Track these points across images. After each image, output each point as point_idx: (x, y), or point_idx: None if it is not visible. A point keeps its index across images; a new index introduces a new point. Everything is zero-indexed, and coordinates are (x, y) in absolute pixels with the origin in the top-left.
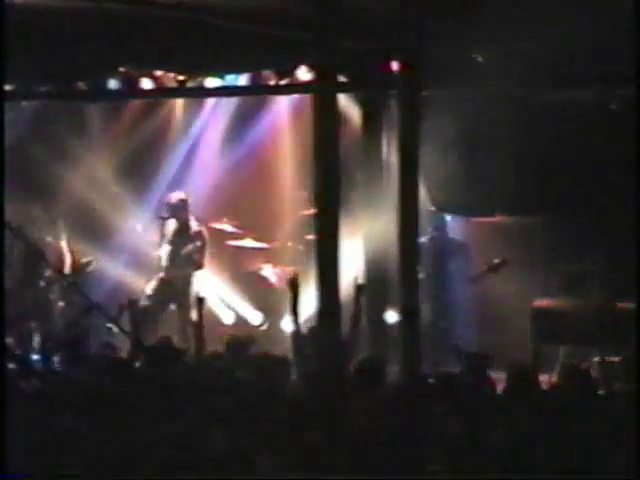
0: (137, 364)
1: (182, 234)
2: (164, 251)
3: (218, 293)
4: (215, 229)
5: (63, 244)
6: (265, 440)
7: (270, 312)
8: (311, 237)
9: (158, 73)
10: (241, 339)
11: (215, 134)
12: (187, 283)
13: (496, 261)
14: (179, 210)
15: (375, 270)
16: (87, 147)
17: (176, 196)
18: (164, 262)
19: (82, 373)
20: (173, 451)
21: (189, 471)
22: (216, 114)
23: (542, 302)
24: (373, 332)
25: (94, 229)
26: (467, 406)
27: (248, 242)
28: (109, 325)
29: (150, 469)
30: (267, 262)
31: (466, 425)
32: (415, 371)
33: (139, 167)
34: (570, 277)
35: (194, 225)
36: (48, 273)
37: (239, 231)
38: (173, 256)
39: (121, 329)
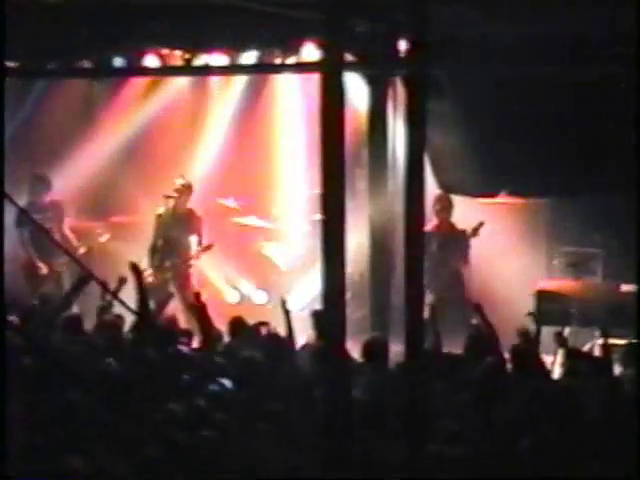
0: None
1: (181, 220)
2: (165, 234)
3: (223, 272)
4: (221, 206)
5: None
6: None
7: (274, 291)
8: (317, 217)
9: (164, 51)
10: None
11: (223, 111)
12: (187, 266)
13: (476, 225)
14: (183, 194)
15: (380, 251)
16: (92, 126)
17: (180, 178)
18: (162, 247)
19: (82, 350)
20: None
21: (192, 451)
22: (223, 91)
23: (546, 284)
24: (378, 314)
25: (101, 208)
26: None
27: (253, 220)
28: (107, 300)
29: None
30: (272, 241)
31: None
32: (418, 351)
33: (143, 147)
34: (574, 259)
35: (194, 208)
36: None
37: (244, 209)
38: (172, 241)
39: (122, 303)
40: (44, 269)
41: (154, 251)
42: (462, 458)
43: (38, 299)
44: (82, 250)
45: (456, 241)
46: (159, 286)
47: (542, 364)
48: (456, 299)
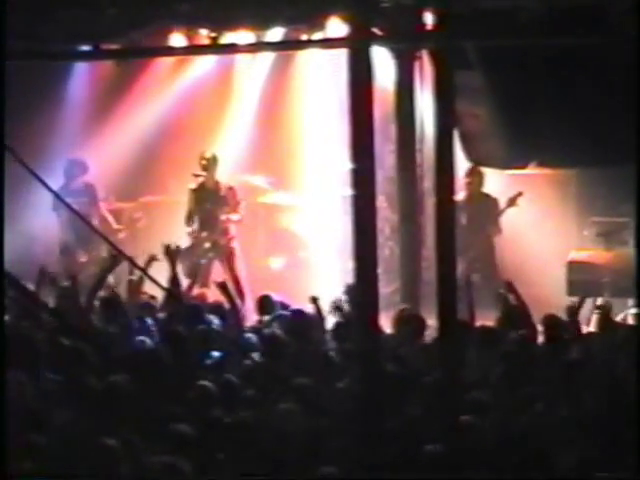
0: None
1: (214, 193)
2: (199, 211)
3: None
4: (248, 184)
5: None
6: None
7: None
8: (347, 192)
9: (189, 30)
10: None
11: (251, 89)
12: (227, 240)
13: (514, 195)
14: (210, 168)
15: (410, 225)
16: (120, 108)
17: (208, 153)
18: (198, 223)
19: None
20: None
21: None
22: (250, 70)
23: (577, 254)
24: (409, 287)
25: (130, 189)
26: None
27: (282, 197)
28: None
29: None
30: (301, 217)
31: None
32: (451, 324)
33: (171, 127)
34: (605, 229)
35: (225, 183)
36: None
37: (273, 187)
38: (207, 216)
39: (153, 280)
40: (81, 253)
41: (190, 221)
42: (492, 429)
43: (70, 280)
44: (121, 235)
45: (488, 211)
46: (198, 255)
47: (576, 334)
48: (488, 269)
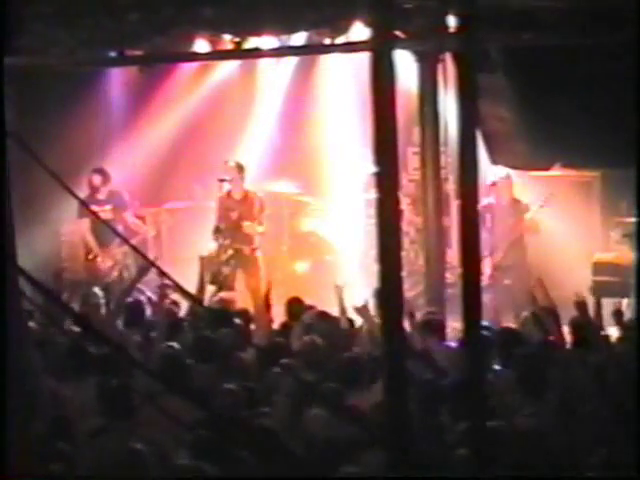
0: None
1: (241, 202)
2: (225, 219)
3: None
4: (273, 189)
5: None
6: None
7: (329, 271)
8: (371, 195)
9: (213, 35)
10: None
11: (274, 94)
12: (250, 250)
13: (546, 197)
14: (237, 177)
15: (435, 228)
16: (144, 114)
17: (232, 162)
18: (223, 229)
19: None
20: None
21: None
22: (274, 74)
23: (603, 255)
24: (434, 290)
25: (154, 196)
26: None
27: (307, 201)
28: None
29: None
30: (326, 220)
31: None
32: (476, 326)
33: (195, 133)
34: (630, 229)
35: (250, 189)
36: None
37: (297, 191)
38: (233, 224)
39: (181, 288)
40: (105, 259)
41: (217, 232)
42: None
43: (101, 288)
44: (151, 233)
45: (514, 212)
46: (222, 266)
47: (601, 337)
48: (519, 271)
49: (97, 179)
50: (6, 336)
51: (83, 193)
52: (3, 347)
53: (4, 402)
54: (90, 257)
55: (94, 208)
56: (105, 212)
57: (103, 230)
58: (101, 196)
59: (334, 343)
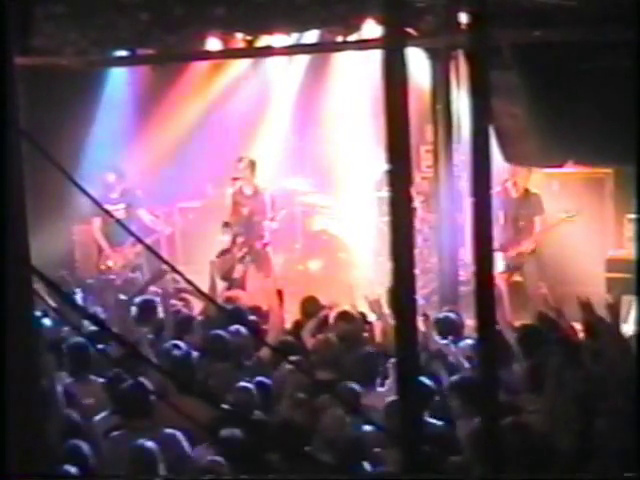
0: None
1: (252, 198)
2: (237, 215)
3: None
4: (286, 187)
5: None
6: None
7: (342, 269)
8: (384, 194)
9: (225, 34)
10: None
11: (287, 92)
12: (262, 245)
13: (570, 214)
14: (248, 173)
15: (448, 225)
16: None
17: (245, 158)
18: (236, 227)
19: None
20: None
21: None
22: (286, 73)
23: (616, 252)
24: (448, 288)
25: (167, 195)
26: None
27: (319, 199)
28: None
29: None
30: (338, 219)
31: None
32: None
33: (207, 131)
34: None
35: (264, 188)
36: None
37: (310, 189)
38: (245, 220)
39: (198, 289)
40: (117, 259)
41: (226, 226)
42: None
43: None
44: (168, 230)
45: (529, 206)
46: (233, 263)
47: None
48: (532, 268)
49: (111, 177)
50: (6, 336)
51: (95, 193)
52: (3, 347)
53: (4, 402)
54: (102, 257)
55: (108, 207)
56: (119, 211)
57: (116, 229)
58: (115, 194)
59: (353, 341)
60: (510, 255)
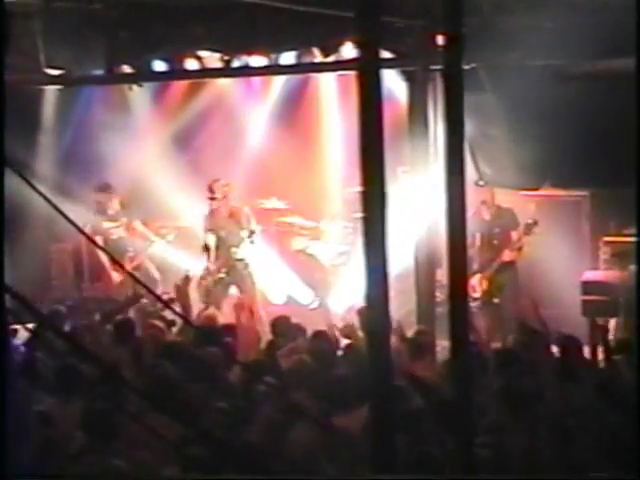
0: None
1: (229, 219)
2: (213, 235)
3: (268, 272)
4: (263, 207)
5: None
6: None
7: (319, 290)
8: (358, 215)
9: (203, 53)
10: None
11: (262, 112)
12: (243, 265)
13: (529, 221)
14: (223, 195)
15: (424, 246)
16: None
17: (219, 180)
18: (214, 247)
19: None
20: None
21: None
22: (262, 93)
23: (592, 275)
24: (423, 308)
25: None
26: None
27: (297, 220)
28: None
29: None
30: (316, 239)
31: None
32: (465, 345)
33: (184, 150)
34: (619, 249)
35: (239, 207)
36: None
37: (287, 209)
38: (222, 240)
39: (173, 310)
40: (114, 275)
41: (206, 250)
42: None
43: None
44: (170, 238)
45: (502, 224)
46: (214, 285)
47: (590, 357)
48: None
49: (101, 196)
50: (5, 338)
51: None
52: (3, 350)
53: (4, 403)
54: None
55: (107, 225)
56: (118, 228)
57: (115, 246)
58: (110, 211)
59: (326, 362)
60: (487, 273)
